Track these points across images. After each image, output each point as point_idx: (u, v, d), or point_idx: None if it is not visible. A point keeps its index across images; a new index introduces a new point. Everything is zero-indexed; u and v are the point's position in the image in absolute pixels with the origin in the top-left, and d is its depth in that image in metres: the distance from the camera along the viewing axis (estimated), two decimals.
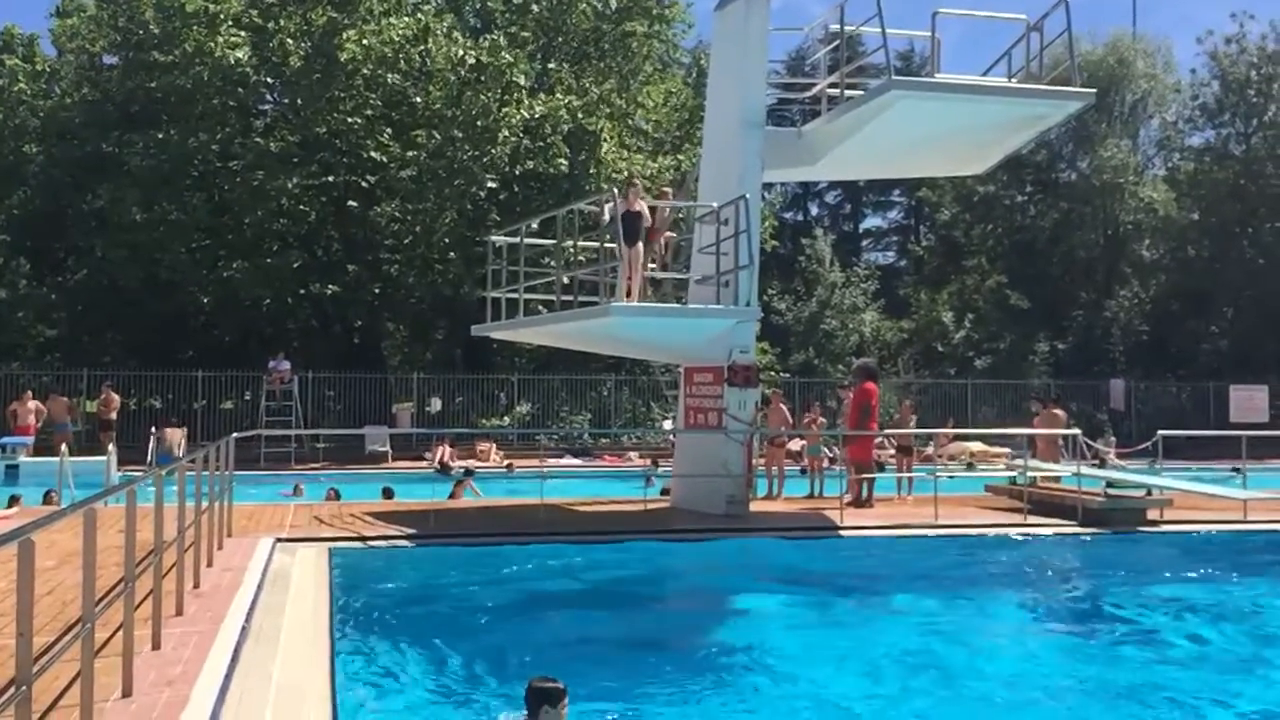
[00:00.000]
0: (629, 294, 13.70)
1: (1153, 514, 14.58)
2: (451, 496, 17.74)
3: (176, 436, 23.69)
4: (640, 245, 13.83)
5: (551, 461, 24.77)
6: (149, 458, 20.01)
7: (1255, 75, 39.31)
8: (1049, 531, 13.96)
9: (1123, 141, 41.82)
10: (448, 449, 24.32)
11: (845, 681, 7.93)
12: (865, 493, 15.79)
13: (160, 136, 28.31)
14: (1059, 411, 19.28)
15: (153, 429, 23.04)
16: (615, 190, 14.62)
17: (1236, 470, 20.74)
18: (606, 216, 14.07)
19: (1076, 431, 18.08)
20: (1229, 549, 13.67)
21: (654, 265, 15.31)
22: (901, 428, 19.08)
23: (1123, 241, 42.33)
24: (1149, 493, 15.06)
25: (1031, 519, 14.35)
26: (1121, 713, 7.29)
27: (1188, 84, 42.44)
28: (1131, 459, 21.73)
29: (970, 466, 24.10)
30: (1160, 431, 17.73)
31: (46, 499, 15.70)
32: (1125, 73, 41.89)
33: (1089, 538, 13.84)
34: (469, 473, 18.58)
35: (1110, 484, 15.70)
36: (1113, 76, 40.98)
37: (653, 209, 14.51)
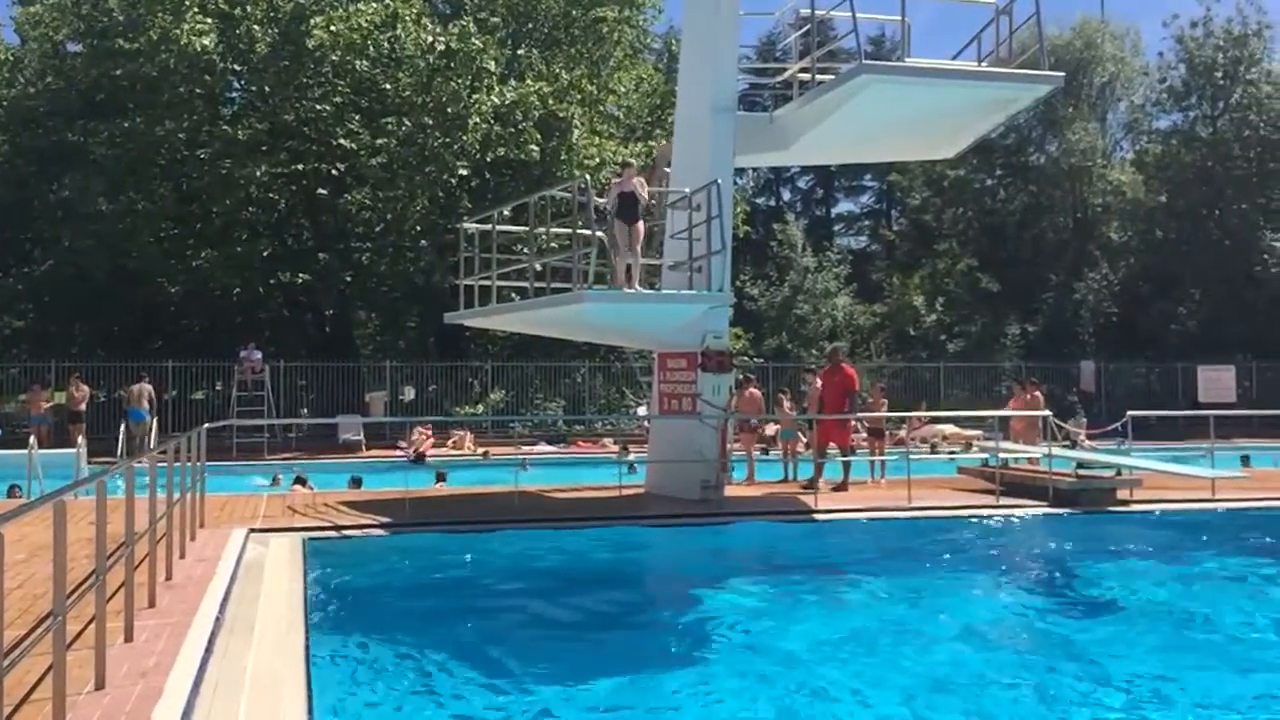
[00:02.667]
0: (629, 277, 13.74)
1: (1123, 494, 14.74)
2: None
3: (143, 391, 23.69)
4: (640, 225, 13.85)
5: (526, 449, 24.81)
6: (121, 436, 19.79)
7: (1222, 58, 39.62)
8: (1020, 512, 14.08)
9: (1091, 125, 42.13)
10: (426, 437, 24.26)
11: (820, 664, 7.97)
12: (843, 476, 15.89)
13: (126, 125, 27.98)
14: (1038, 394, 19.52)
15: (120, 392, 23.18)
16: (586, 177, 14.63)
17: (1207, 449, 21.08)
18: (603, 201, 14.04)
19: (1047, 413, 18.26)
20: (1197, 527, 13.84)
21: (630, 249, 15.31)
22: (873, 411, 19.20)
23: (1091, 224, 42.66)
24: (1119, 473, 15.24)
25: (1003, 500, 14.47)
26: (1097, 687, 7.36)
27: (1155, 67, 42.81)
28: (1101, 439, 21.95)
29: (934, 449, 24.31)
30: (1129, 412, 17.94)
31: (10, 494, 15.52)
32: (1093, 56, 42.20)
33: (1060, 518, 13.97)
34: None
35: (1081, 465, 15.87)
36: (1080, 60, 41.29)
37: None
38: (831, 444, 16.08)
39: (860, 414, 19.45)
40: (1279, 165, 38.46)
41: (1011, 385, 20.94)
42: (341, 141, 28.42)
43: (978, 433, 23.38)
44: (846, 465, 16.02)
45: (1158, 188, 41.23)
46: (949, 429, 26.08)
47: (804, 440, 18.27)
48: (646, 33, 37.24)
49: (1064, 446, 19.01)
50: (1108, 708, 7.00)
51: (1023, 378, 25.99)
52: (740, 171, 29.71)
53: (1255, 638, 8.83)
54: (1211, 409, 21.18)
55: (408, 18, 28.49)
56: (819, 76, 14.85)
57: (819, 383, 16.93)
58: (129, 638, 6.66)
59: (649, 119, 33.88)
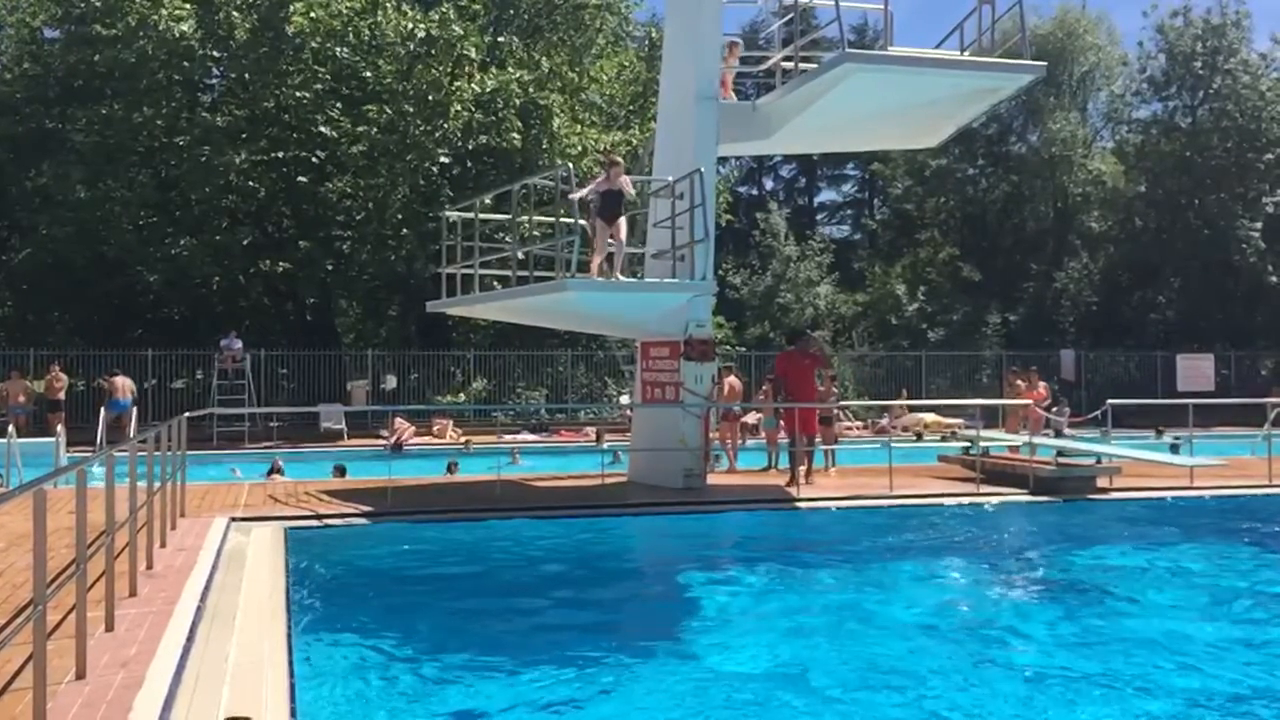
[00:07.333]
0: (611, 267, 13.71)
1: (1102, 482, 14.83)
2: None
3: (127, 384, 23.72)
4: (622, 222, 13.82)
5: (508, 438, 24.80)
6: (100, 427, 19.65)
7: (1200, 48, 39.79)
8: (1001, 500, 14.16)
9: (1071, 114, 42.27)
10: (408, 427, 24.23)
11: (799, 653, 8.00)
12: (808, 465, 15.56)
13: (104, 112, 27.78)
14: (1020, 383, 19.68)
15: (103, 380, 23.28)
16: (569, 165, 14.57)
17: (1175, 437, 21.25)
18: (583, 193, 13.98)
19: (1029, 402, 18.36)
20: (1175, 514, 13.95)
21: (611, 241, 15.30)
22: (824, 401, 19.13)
23: (1072, 213, 42.85)
24: (1099, 461, 15.33)
25: (984, 488, 14.54)
26: (1086, 675, 7.41)
27: (1135, 57, 42.97)
28: (1082, 428, 22.09)
29: (919, 437, 24.49)
30: (1109, 401, 18.04)
31: None
32: (1073, 46, 42.32)
33: (1040, 506, 14.06)
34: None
35: (1061, 453, 15.95)
36: (1061, 50, 41.38)
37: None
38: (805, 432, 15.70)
39: (845, 403, 19.51)
40: (1257, 155, 38.67)
41: (1029, 375, 20.84)
42: (322, 129, 28.26)
43: (959, 421, 23.50)
44: (810, 455, 15.71)
45: (1137, 177, 41.44)
46: (930, 417, 26.24)
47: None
48: (629, 20, 37.13)
49: (1046, 434, 19.15)
50: (1083, 696, 7.04)
51: (1015, 367, 26.01)
52: (723, 160, 29.69)
53: (1230, 625, 8.90)
54: (1190, 398, 21.32)
55: (388, 4, 28.35)
56: (802, 65, 14.87)
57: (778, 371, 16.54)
58: (110, 627, 6.62)
59: (631, 107, 33.82)
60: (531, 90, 29.01)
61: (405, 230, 29.06)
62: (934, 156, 41.02)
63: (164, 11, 26.83)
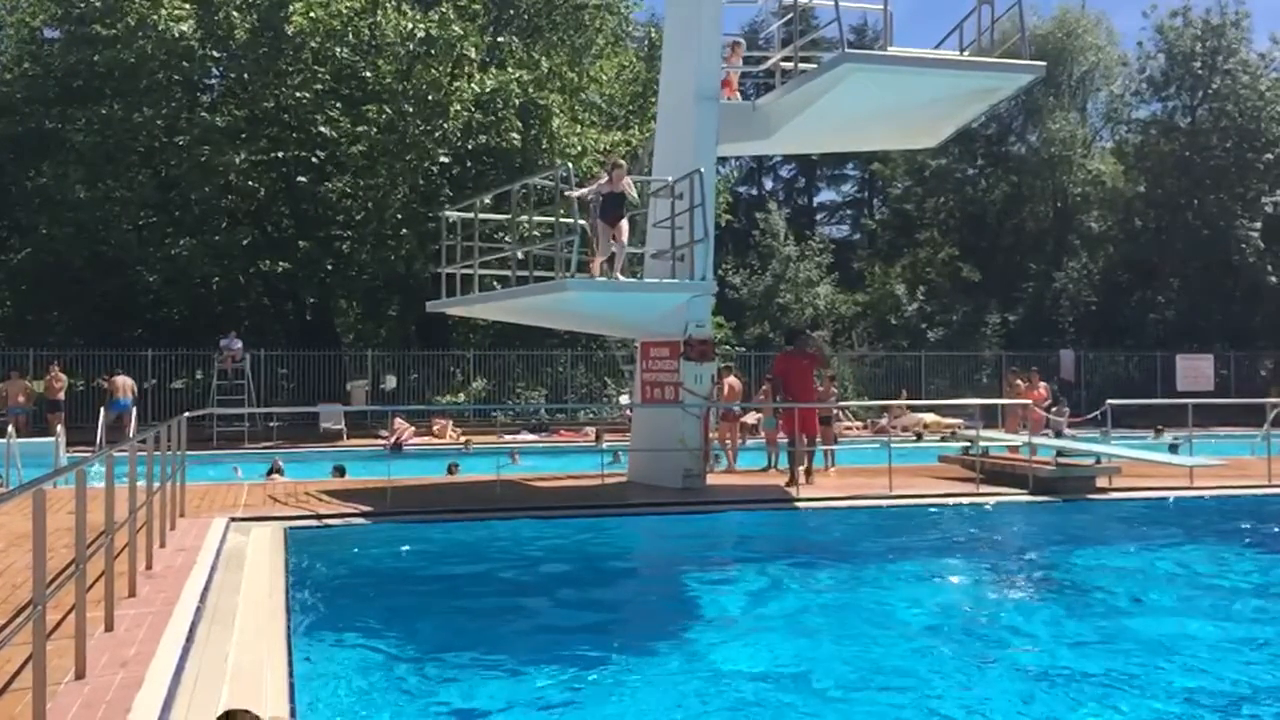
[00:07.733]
0: (610, 268, 13.72)
1: (1102, 482, 14.83)
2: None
3: (126, 383, 23.81)
4: (624, 223, 13.82)
5: (508, 438, 24.79)
6: (99, 426, 19.66)
7: (1200, 48, 39.80)
8: (1001, 500, 14.16)
9: (1071, 114, 42.28)
10: (408, 427, 24.22)
11: (800, 653, 7.99)
12: (807, 464, 15.46)
13: (104, 112, 27.78)
14: (1019, 383, 19.72)
15: (102, 380, 23.32)
16: (569, 165, 14.56)
17: (1175, 437, 21.28)
18: (582, 192, 13.96)
19: (1029, 402, 18.36)
20: (1174, 514, 13.96)
21: (613, 243, 15.31)
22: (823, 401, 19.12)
23: (1071, 213, 42.87)
24: (1098, 461, 15.33)
25: (984, 488, 14.54)
26: (1086, 674, 7.40)
27: (1134, 57, 43.00)
28: (1081, 428, 22.11)
29: (918, 437, 24.50)
30: (1109, 401, 18.04)
31: None
32: (1073, 46, 42.35)
33: (1040, 505, 14.06)
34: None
35: (1061, 453, 15.95)
36: (1061, 50, 41.41)
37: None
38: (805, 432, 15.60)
39: (844, 403, 19.50)
40: (1256, 155, 38.68)
41: (1029, 375, 20.81)
42: (321, 129, 28.25)
43: (959, 421, 23.50)
44: (811, 454, 15.66)
45: (1136, 177, 41.45)
46: (930, 417, 26.24)
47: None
48: (628, 20, 37.13)
49: (1045, 435, 19.15)
50: (1084, 696, 7.03)
51: (1015, 367, 26.02)
52: (723, 160, 29.72)
53: (1231, 625, 8.90)
54: (1190, 397, 21.34)
55: (388, 4, 28.32)
56: (801, 65, 14.87)
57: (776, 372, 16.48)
58: (109, 627, 6.62)
59: (630, 107, 33.82)
60: (531, 90, 28.98)
61: (405, 230, 29.05)
62: (934, 156, 41.04)
63: (164, 11, 26.79)
